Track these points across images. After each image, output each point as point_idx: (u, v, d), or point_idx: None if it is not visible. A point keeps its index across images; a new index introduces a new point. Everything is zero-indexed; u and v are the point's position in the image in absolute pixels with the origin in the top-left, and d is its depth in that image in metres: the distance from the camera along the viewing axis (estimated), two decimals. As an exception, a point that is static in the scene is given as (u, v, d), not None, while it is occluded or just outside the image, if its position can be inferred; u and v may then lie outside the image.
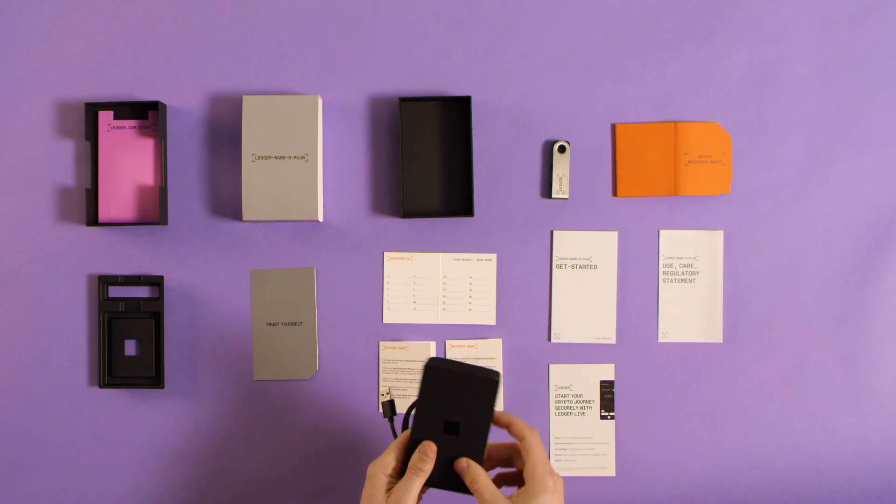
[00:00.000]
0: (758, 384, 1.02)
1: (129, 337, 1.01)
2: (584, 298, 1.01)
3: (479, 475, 0.77)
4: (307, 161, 0.97)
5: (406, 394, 1.00)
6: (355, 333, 1.01)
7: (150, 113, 1.00)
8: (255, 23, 1.01)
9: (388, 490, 0.77)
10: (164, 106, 1.00)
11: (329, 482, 1.01)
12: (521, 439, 0.78)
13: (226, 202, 1.01)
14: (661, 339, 1.02)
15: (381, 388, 1.01)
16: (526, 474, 0.77)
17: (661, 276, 1.02)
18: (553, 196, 1.00)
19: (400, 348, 1.01)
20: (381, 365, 1.01)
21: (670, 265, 1.02)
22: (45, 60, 1.01)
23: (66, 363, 1.01)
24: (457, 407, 0.77)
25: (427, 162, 1.00)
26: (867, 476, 1.01)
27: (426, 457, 0.78)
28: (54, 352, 1.01)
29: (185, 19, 1.01)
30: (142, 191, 1.00)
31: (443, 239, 1.02)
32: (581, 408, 1.01)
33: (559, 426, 1.01)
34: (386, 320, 1.02)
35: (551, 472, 0.77)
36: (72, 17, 1.01)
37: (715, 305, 1.02)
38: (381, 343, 1.01)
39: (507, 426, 0.80)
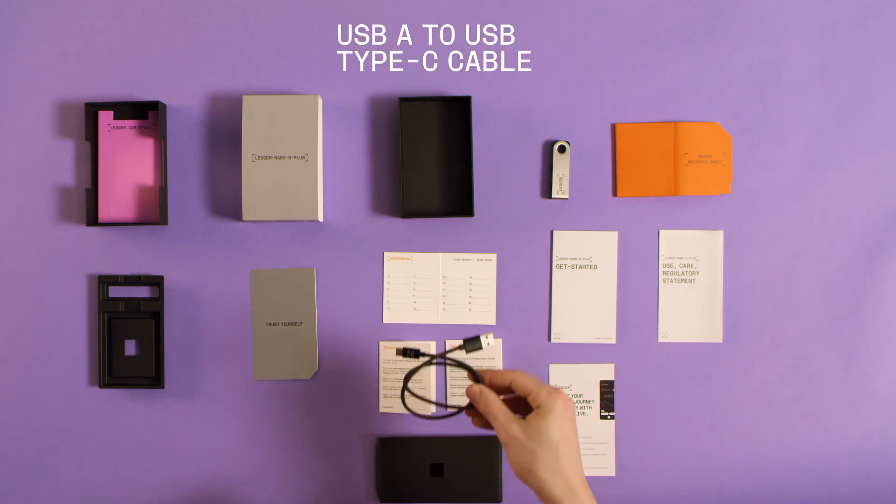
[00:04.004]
0: (758, 384, 1.02)
1: (129, 337, 1.01)
2: (584, 298, 1.01)
3: (491, 399, 0.83)
4: (307, 161, 0.97)
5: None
6: (355, 333, 1.01)
7: (150, 113, 1.00)
8: (255, 23, 1.01)
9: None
10: (164, 106, 1.00)
11: (329, 482, 1.01)
12: (511, 382, 0.84)
13: (226, 202, 1.01)
14: (661, 339, 1.02)
15: (380, 389, 1.01)
16: (531, 400, 0.81)
17: (661, 276, 1.02)
18: (553, 196, 1.00)
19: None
20: (381, 365, 1.01)
21: (670, 265, 1.02)
22: (45, 60, 1.01)
23: (66, 363, 1.01)
24: None
25: (427, 162, 1.00)
26: (867, 476, 1.01)
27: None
28: (54, 352, 1.01)
29: (185, 19, 1.01)
30: (142, 191, 1.00)
31: (443, 239, 1.02)
32: (581, 408, 1.01)
33: (559, 426, 1.01)
34: (386, 320, 1.02)
35: (558, 392, 0.81)
36: (72, 17, 1.01)
37: (715, 305, 1.02)
38: (381, 343, 1.01)
39: (490, 384, 0.85)
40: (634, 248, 1.02)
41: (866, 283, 1.01)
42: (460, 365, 0.88)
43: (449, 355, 0.87)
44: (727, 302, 1.02)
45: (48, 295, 1.01)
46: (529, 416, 0.81)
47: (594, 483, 1.01)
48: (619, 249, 1.01)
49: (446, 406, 0.93)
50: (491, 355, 1.01)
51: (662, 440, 1.01)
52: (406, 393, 0.90)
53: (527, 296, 1.01)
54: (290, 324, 1.01)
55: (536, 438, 0.79)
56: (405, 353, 0.90)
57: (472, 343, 0.89)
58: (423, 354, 0.90)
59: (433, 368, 1.01)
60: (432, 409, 1.00)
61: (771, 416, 1.02)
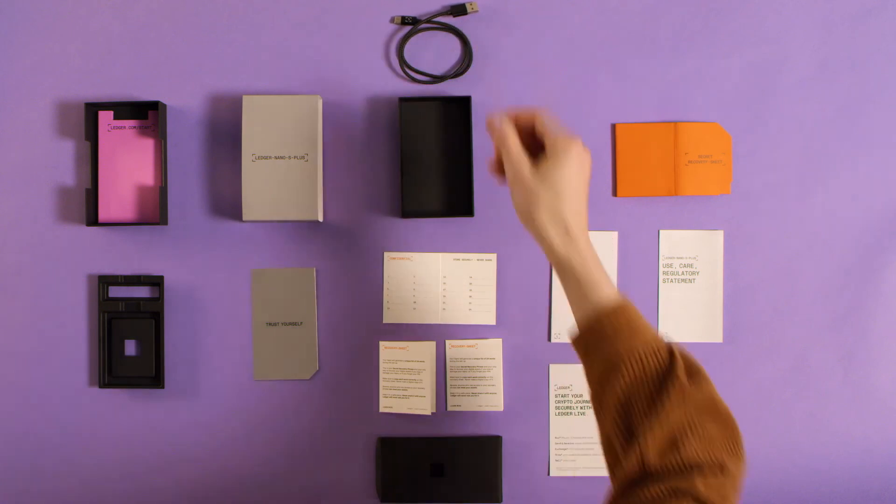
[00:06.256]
0: (758, 384, 1.02)
1: (129, 337, 1.01)
2: (584, 298, 1.01)
3: (508, 133, 0.80)
4: (307, 161, 0.97)
5: (406, 394, 1.00)
6: (355, 333, 1.01)
7: (150, 113, 1.00)
8: (255, 23, 1.01)
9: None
10: (164, 106, 1.00)
11: (329, 482, 1.01)
12: (535, 118, 0.81)
13: (226, 202, 1.01)
14: (661, 339, 1.02)
15: (380, 389, 1.01)
16: (547, 143, 0.79)
17: (661, 276, 1.02)
18: (553, 196, 1.00)
19: (400, 348, 1.01)
20: (381, 365, 1.01)
21: (670, 265, 1.02)
22: (45, 60, 1.01)
23: (66, 363, 1.01)
24: None
25: (427, 162, 1.00)
26: (867, 476, 1.01)
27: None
28: (54, 352, 1.01)
29: (185, 19, 1.01)
30: (142, 191, 1.00)
31: (443, 239, 1.02)
32: (581, 408, 1.01)
33: (559, 426, 1.01)
34: (386, 320, 1.01)
35: (575, 140, 0.78)
36: (72, 17, 1.01)
37: (715, 305, 1.02)
38: (381, 343, 1.01)
39: (516, 120, 0.82)
40: (634, 248, 1.02)
41: (866, 283, 1.01)
42: (451, 28, 0.95)
43: (437, 18, 0.95)
44: (727, 302, 1.02)
45: (48, 295, 1.01)
46: (541, 159, 0.78)
47: (594, 483, 1.01)
48: (619, 249, 1.01)
49: None
50: (491, 355, 1.01)
51: (662, 440, 1.01)
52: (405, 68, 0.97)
53: (527, 296, 1.01)
54: (290, 324, 1.01)
55: (541, 180, 0.77)
56: (403, 21, 0.96)
57: (458, 8, 0.95)
58: (418, 21, 0.95)
59: (433, 370, 1.01)
60: None
61: (771, 416, 1.02)
